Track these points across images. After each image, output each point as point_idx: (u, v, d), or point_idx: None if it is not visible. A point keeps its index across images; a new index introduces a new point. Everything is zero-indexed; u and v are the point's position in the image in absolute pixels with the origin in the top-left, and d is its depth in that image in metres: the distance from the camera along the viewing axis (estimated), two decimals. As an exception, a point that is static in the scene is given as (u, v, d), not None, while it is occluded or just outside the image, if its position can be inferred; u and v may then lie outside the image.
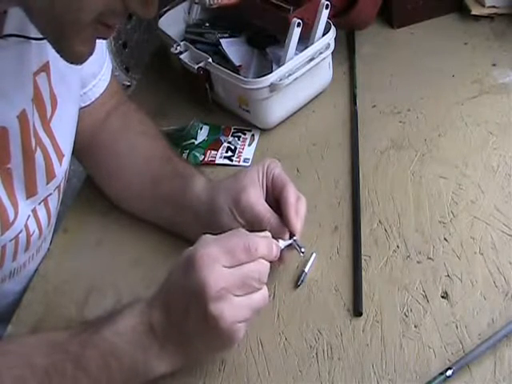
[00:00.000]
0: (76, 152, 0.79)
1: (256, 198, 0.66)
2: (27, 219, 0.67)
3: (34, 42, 0.59)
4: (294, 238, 0.65)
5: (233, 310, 0.54)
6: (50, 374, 0.54)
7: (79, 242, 0.80)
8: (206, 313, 0.53)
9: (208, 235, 0.58)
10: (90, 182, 0.85)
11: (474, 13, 1.01)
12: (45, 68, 0.64)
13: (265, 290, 0.57)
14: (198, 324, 0.54)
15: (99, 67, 0.78)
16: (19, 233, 0.66)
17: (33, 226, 0.69)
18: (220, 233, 0.58)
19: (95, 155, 0.80)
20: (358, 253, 0.71)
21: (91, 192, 0.84)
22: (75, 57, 0.52)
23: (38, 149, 0.65)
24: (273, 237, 0.62)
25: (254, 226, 0.65)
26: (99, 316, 0.59)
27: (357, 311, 0.65)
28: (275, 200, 0.68)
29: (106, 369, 0.55)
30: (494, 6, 1.00)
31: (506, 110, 0.85)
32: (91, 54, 0.53)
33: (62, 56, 0.52)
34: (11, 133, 0.60)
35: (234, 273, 0.54)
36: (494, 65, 0.93)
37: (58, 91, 0.67)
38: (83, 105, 0.76)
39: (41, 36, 0.56)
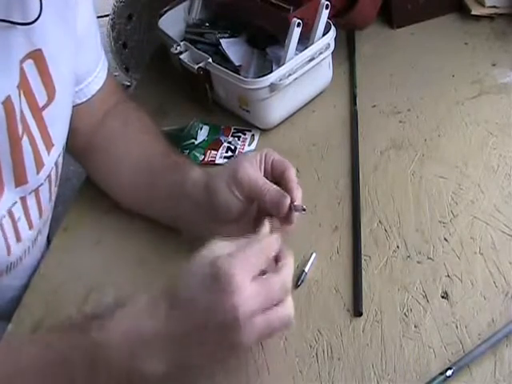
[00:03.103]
0: (75, 152, 0.79)
1: (252, 170, 0.65)
2: (12, 205, 0.66)
3: (20, 27, 0.59)
4: (295, 203, 0.64)
5: (254, 335, 0.52)
6: (38, 375, 0.54)
7: (79, 242, 0.80)
8: (229, 340, 0.52)
9: (223, 242, 0.56)
10: (90, 182, 0.85)
11: (474, 13, 1.01)
12: (33, 55, 0.63)
13: (287, 306, 0.55)
14: (211, 345, 0.53)
15: (94, 64, 0.78)
16: (1, 218, 0.65)
17: (18, 213, 0.68)
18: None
19: (94, 154, 0.80)
20: (358, 253, 0.71)
21: (91, 192, 0.84)
22: None
23: (25, 136, 0.65)
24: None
25: (251, 196, 0.65)
26: (93, 313, 0.57)
27: (357, 311, 0.65)
28: (274, 182, 0.67)
29: (94, 373, 0.54)
30: (494, 6, 1.00)
31: (506, 109, 0.85)
32: None
33: None
34: None
35: (260, 291, 0.53)
36: (493, 65, 0.93)
37: (56, 82, 0.67)
38: (79, 101, 0.76)
39: (26, 21, 0.57)
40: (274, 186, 0.64)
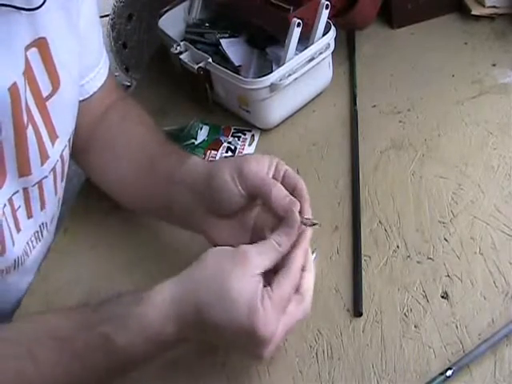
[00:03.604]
0: (75, 151, 0.79)
1: (261, 168, 0.64)
2: (13, 194, 0.66)
3: (24, 13, 0.59)
4: (306, 217, 0.62)
5: (276, 347, 0.56)
6: (56, 373, 0.54)
7: (79, 243, 0.80)
8: (255, 354, 0.55)
9: (258, 255, 0.56)
10: (91, 184, 0.85)
11: (474, 13, 1.01)
12: (37, 44, 0.63)
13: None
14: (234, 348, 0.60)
15: (97, 60, 0.77)
16: (3, 207, 0.64)
17: (19, 202, 0.67)
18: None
19: (93, 152, 0.80)
20: (358, 253, 0.71)
21: (91, 192, 0.84)
22: None
23: (30, 125, 0.64)
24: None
25: (255, 192, 0.63)
26: (103, 304, 0.56)
27: (357, 311, 0.65)
28: None
29: (111, 368, 0.55)
30: (494, 6, 1.00)
31: (506, 109, 0.85)
32: None
33: None
34: (2, 105, 0.59)
35: (287, 323, 0.55)
36: (493, 65, 0.93)
37: (60, 73, 0.66)
38: (81, 98, 0.76)
39: (30, 7, 0.56)
40: (282, 188, 0.62)
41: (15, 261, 0.71)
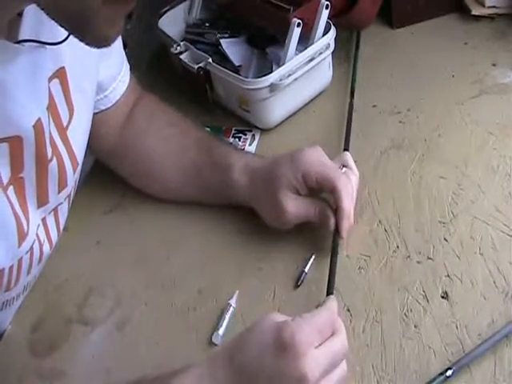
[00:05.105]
0: (104, 155, 0.78)
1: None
2: (37, 228, 0.65)
3: (48, 47, 0.57)
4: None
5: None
6: None
7: (79, 242, 0.80)
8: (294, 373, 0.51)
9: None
10: (90, 182, 0.85)
11: (474, 13, 1.01)
12: (58, 74, 0.62)
13: (344, 365, 0.55)
14: None
15: (118, 69, 0.77)
16: (33, 243, 0.63)
17: (42, 235, 0.66)
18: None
19: (124, 155, 0.80)
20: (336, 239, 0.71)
21: (91, 191, 0.84)
22: (101, 41, 0.49)
23: (54, 159, 0.63)
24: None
25: (322, 187, 0.70)
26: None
27: (329, 292, 0.64)
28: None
29: None
30: (494, 6, 1.00)
31: (506, 110, 0.85)
32: (119, 33, 0.49)
33: (87, 44, 0.48)
34: (26, 142, 0.58)
35: (326, 356, 0.52)
36: (493, 65, 0.93)
37: (74, 99, 0.65)
38: (104, 108, 0.76)
39: (55, 41, 0.55)
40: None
41: (24, 286, 0.70)
